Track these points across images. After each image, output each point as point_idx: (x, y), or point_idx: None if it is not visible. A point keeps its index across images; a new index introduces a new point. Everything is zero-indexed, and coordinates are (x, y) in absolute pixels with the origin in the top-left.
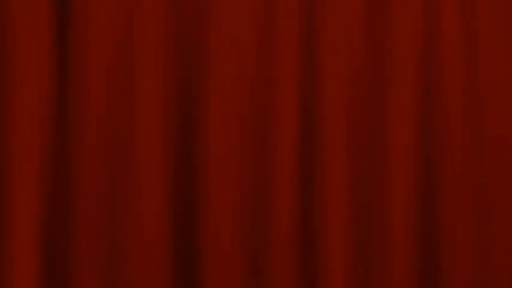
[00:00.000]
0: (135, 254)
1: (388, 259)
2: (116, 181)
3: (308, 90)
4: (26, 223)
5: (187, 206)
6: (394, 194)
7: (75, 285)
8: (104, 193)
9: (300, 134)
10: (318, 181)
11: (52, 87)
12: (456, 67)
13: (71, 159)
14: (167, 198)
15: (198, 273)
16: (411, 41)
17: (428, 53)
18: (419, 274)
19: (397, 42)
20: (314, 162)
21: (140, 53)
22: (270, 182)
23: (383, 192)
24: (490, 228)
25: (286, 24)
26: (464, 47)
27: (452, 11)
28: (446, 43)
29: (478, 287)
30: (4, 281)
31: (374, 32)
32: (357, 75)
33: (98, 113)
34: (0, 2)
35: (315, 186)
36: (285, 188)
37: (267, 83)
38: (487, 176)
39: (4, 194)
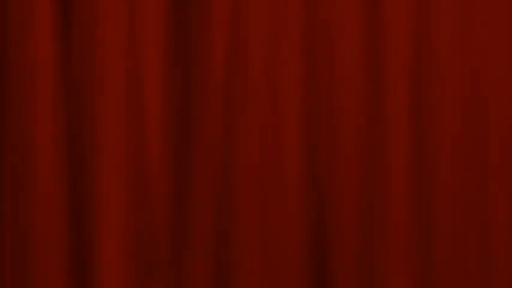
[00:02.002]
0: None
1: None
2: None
3: (311, 90)
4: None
5: (222, 206)
6: (390, 191)
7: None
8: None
9: (304, 133)
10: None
11: (54, 85)
12: (455, 67)
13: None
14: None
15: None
16: (407, 39)
17: (426, 53)
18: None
19: (393, 40)
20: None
21: (142, 50)
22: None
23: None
24: (491, 226)
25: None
26: (463, 46)
27: (450, 11)
28: (444, 42)
29: (477, 286)
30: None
31: (369, 30)
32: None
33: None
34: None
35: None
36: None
37: (270, 81)
38: (486, 174)
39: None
